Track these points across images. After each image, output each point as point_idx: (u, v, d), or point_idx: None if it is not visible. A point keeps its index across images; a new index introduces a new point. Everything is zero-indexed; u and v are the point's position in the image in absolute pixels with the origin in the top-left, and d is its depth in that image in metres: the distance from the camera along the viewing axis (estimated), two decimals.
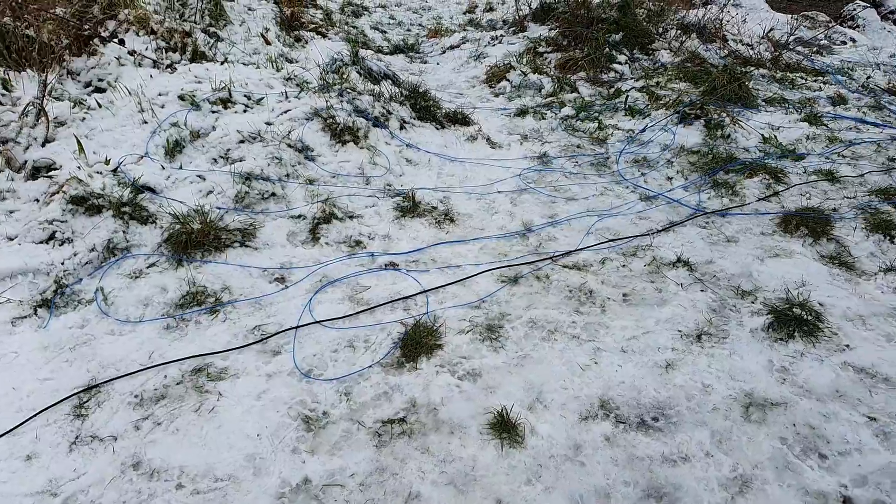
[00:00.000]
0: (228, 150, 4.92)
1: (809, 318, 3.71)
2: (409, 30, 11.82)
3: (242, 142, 4.99)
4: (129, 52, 5.83)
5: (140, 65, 5.88)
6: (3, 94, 4.78)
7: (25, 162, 4.33)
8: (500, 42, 9.50)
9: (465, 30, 11.14)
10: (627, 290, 4.00)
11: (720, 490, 2.72)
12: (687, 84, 7.55)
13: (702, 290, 3.98)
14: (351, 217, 4.59)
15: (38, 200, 4.10)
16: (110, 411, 3.02)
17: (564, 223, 4.77)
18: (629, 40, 8.74)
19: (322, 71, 6.64)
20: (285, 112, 5.47)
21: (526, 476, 2.78)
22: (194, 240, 4.02)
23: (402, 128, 5.78)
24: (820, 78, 8.66)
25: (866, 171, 5.60)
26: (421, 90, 6.44)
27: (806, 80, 8.51)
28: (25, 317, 3.52)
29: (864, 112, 7.13)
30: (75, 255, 3.79)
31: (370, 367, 3.31)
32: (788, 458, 2.89)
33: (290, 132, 5.23)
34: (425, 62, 9.48)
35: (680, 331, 3.63)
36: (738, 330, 3.67)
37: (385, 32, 11.29)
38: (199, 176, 4.64)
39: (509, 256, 4.33)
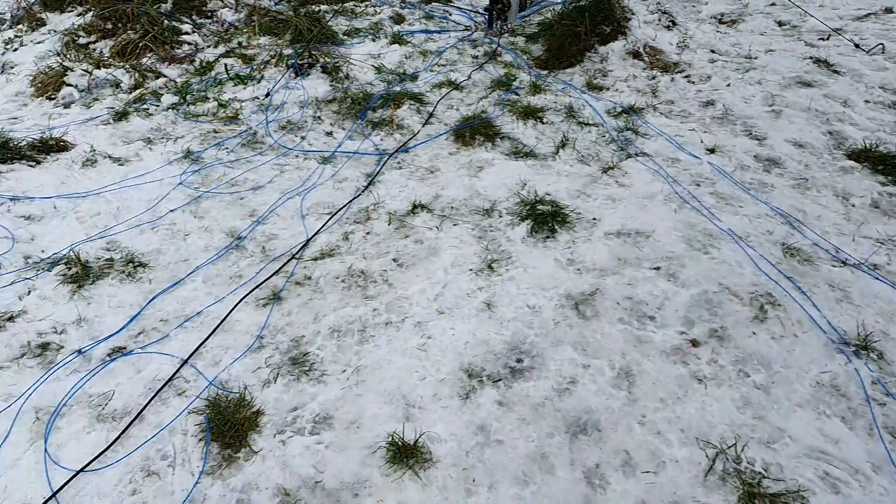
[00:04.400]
0: None
1: (552, 208, 3.89)
2: None
3: None
4: None
5: None
6: None
7: None
8: (20, 45, 7.38)
9: None
10: (393, 254, 3.65)
11: (614, 389, 2.77)
12: (269, 37, 6.92)
13: (455, 225, 3.86)
14: (11, 319, 3.18)
15: None
16: None
17: (270, 216, 4.05)
18: (181, 7, 7.51)
19: None
20: None
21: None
22: None
23: None
24: (366, 3, 8.48)
25: (468, 72, 6.13)
26: None
27: (359, 6, 8.34)
28: None
29: (424, 24, 7.72)
30: None
31: (197, 484, 2.43)
32: (635, 333, 3.06)
33: None
34: None
35: (471, 269, 3.49)
36: (512, 245, 3.67)
37: None
38: None
39: (245, 275, 3.54)
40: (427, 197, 4.07)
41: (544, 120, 4.97)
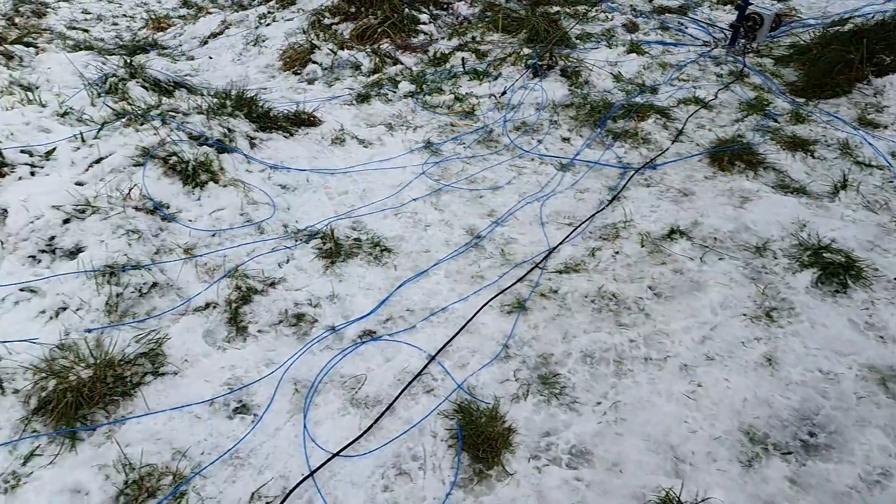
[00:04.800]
0: (53, 237, 3.22)
1: (843, 259, 3.36)
2: (115, 24, 9.32)
3: (68, 220, 3.30)
4: None
5: None
6: None
7: None
8: (272, 20, 7.75)
9: (218, 11, 8.90)
10: (649, 281, 3.33)
11: None
12: (503, 35, 6.77)
13: (720, 259, 3.47)
14: (272, 285, 3.21)
15: None
16: None
17: (509, 218, 3.88)
18: None
19: (93, 93, 4.61)
20: (97, 162, 3.71)
21: None
22: (87, 394, 2.47)
23: (251, 146, 4.34)
24: (597, 8, 8.05)
25: (713, 91, 5.61)
26: (248, 94, 4.89)
27: (590, 11, 7.93)
28: None
29: (659, 35, 7.29)
30: None
31: (449, 495, 2.29)
32: None
33: (127, 189, 3.55)
34: (192, 58, 7.29)
35: (744, 314, 3.10)
36: (794, 294, 3.22)
37: (87, 31, 8.61)
38: (27, 290, 2.95)
39: (487, 277, 3.39)
40: (685, 222, 3.70)
41: (815, 154, 4.39)
